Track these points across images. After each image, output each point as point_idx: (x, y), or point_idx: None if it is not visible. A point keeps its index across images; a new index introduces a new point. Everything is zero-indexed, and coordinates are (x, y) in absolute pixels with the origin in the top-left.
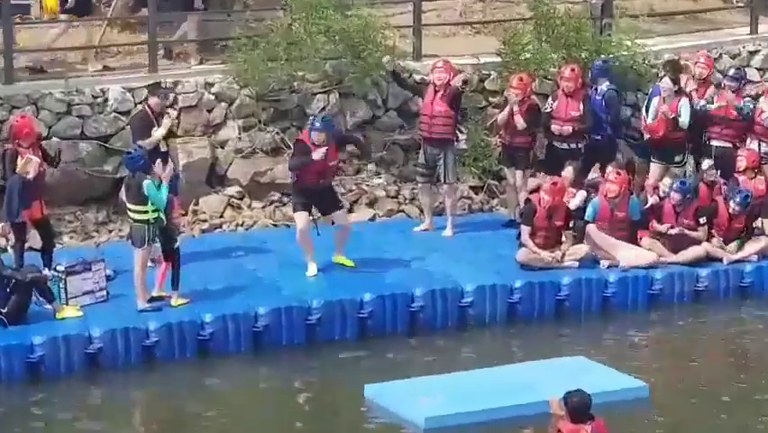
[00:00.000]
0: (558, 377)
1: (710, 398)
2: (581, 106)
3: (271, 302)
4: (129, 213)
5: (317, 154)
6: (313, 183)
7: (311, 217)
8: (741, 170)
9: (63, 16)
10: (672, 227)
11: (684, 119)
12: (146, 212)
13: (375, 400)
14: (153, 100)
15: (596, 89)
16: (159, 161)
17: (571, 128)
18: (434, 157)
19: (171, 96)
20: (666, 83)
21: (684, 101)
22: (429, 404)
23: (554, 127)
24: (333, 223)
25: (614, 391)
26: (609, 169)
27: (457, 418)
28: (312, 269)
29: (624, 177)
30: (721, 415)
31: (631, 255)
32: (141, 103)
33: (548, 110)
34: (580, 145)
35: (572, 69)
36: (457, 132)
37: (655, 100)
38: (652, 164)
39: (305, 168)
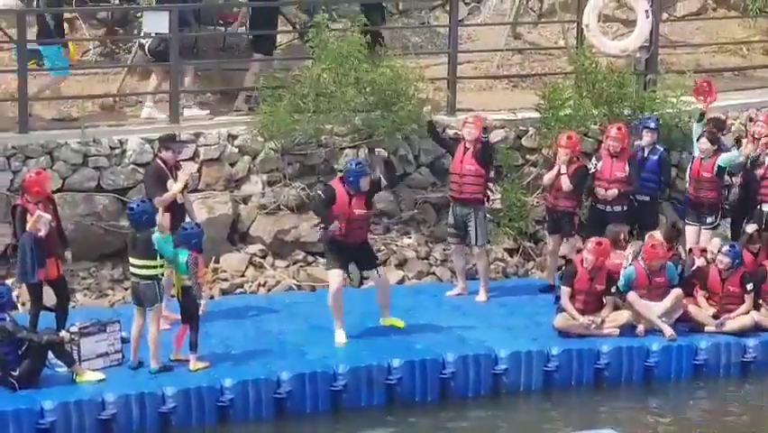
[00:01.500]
0: None
1: None
2: (627, 167)
3: (295, 367)
4: (135, 270)
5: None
6: (344, 239)
7: (345, 275)
8: None
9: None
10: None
11: (729, 156)
12: (155, 267)
13: None
14: (167, 154)
15: (643, 148)
16: (167, 214)
17: (616, 191)
18: (463, 218)
19: (189, 147)
20: (704, 143)
21: (722, 155)
22: None
23: (599, 190)
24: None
25: None
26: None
27: None
28: (341, 336)
29: (662, 249)
30: None
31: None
32: (155, 157)
33: (592, 170)
34: (624, 208)
35: (619, 129)
36: (488, 192)
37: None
38: (687, 226)
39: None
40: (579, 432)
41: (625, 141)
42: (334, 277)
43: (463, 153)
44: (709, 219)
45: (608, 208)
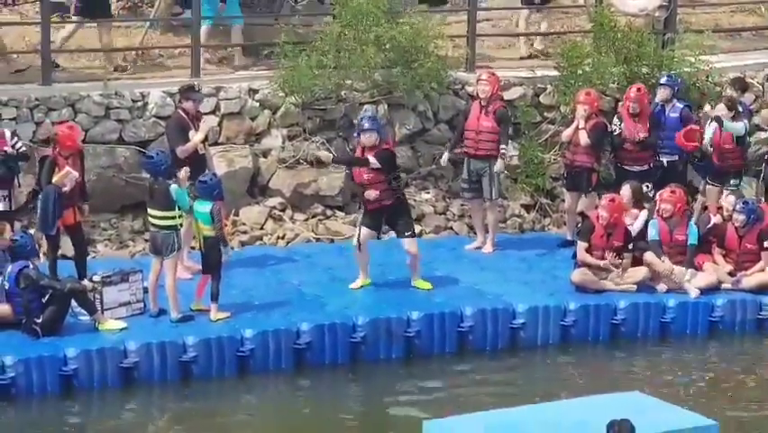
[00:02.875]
0: (621, 414)
1: None
2: (649, 126)
3: (315, 318)
4: (153, 220)
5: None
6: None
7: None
8: None
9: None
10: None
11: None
12: (173, 217)
13: None
14: (188, 104)
15: (663, 106)
16: (185, 168)
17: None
18: (478, 173)
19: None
20: (722, 109)
21: (738, 125)
22: None
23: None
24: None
25: (679, 431)
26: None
27: None
28: (358, 282)
29: (679, 195)
30: None
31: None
32: (176, 108)
33: (617, 131)
34: (649, 167)
35: (639, 89)
36: (502, 148)
37: (714, 125)
38: (708, 186)
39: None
40: (603, 395)
41: (644, 101)
42: (362, 231)
43: (480, 111)
44: (733, 181)
45: (636, 168)
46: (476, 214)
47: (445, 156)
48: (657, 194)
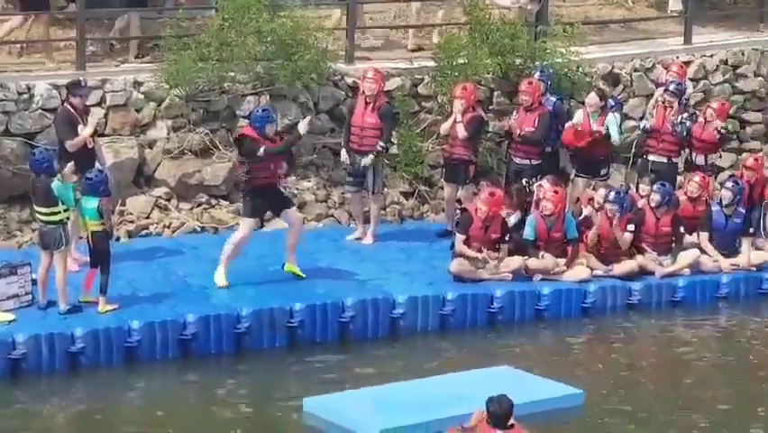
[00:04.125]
0: (494, 387)
1: (644, 404)
2: (537, 121)
3: (200, 310)
4: (39, 216)
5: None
6: (266, 183)
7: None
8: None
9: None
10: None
11: (615, 136)
12: (58, 212)
13: (316, 413)
14: (75, 99)
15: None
16: (71, 163)
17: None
18: (362, 166)
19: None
20: (593, 98)
21: (611, 117)
22: (381, 416)
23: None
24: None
25: (549, 400)
26: (547, 185)
27: (408, 430)
28: (221, 278)
29: (561, 195)
30: (659, 417)
31: (567, 274)
32: (62, 103)
33: (511, 122)
34: (538, 161)
35: (530, 83)
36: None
37: (579, 113)
38: (577, 178)
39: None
40: (476, 370)
41: (535, 94)
42: (247, 224)
43: (365, 107)
44: (602, 171)
45: (522, 162)
46: (357, 206)
47: (343, 153)
48: (536, 185)
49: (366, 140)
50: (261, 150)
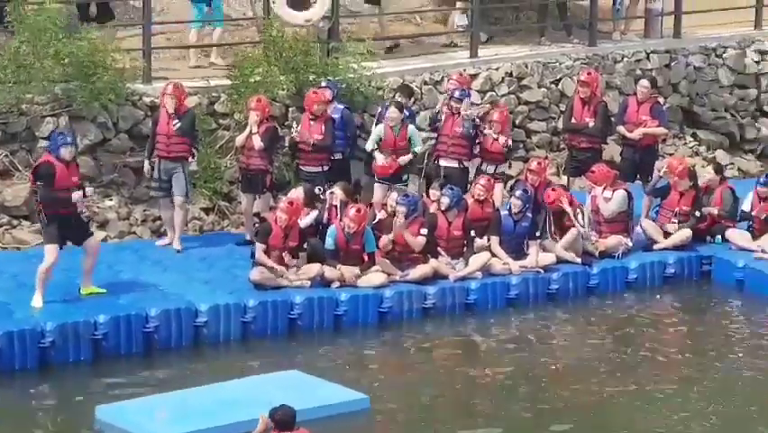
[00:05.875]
0: (282, 391)
1: (427, 410)
2: (323, 128)
3: (3, 326)
4: None
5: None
6: (62, 213)
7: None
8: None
9: None
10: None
11: (417, 146)
12: None
13: (108, 420)
14: None
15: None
16: None
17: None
18: (169, 171)
19: None
20: (393, 111)
21: (412, 128)
22: (167, 422)
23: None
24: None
25: (334, 405)
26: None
27: None
28: (38, 301)
29: (363, 213)
30: (446, 426)
31: (363, 280)
32: None
33: (293, 134)
34: (326, 168)
35: (315, 93)
36: (193, 150)
37: (380, 128)
38: (376, 185)
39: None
40: (266, 375)
41: (313, 105)
42: (50, 251)
43: (168, 119)
44: (403, 177)
45: (314, 169)
46: (166, 212)
47: (146, 165)
48: (329, 192)
49: (173, 147)
50: None
